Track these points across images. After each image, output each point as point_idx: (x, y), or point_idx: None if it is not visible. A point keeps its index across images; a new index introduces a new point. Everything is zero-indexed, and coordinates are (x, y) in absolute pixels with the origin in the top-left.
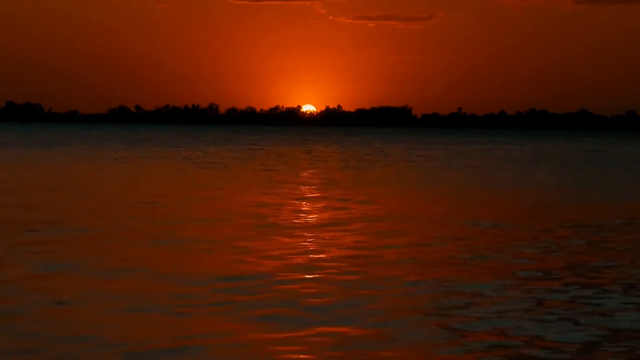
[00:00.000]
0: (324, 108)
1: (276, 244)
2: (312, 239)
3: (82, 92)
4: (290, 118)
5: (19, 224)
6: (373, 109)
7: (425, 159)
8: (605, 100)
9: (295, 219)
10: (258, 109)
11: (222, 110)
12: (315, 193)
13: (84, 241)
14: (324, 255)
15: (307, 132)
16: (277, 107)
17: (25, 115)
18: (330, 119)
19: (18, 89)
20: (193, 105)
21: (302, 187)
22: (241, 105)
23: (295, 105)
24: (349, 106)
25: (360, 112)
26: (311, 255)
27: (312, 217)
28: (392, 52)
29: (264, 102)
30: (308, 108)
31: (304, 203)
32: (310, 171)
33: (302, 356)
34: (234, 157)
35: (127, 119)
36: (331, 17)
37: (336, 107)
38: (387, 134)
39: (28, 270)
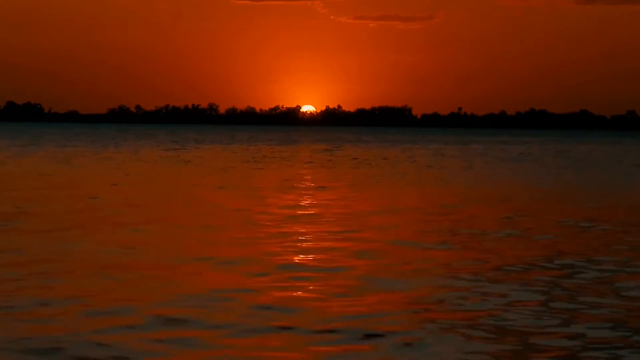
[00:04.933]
0: (324, 108)
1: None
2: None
3: (82, 92)
4: (290, 118)
5: None
6: (373, 109)
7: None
8: (605, 100)
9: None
10: (258, 109)
11: (222, 110)
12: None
13: None
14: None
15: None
16: (277, 107)
17: (25, 115)
18: (330, 119)
19: (18, 89)
20: (193, 105)
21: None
22: (241, 105)
23: (295, 105)
24: (349, 106)
25: (360, 112)
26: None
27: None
28: (392, 52)
29: (264, 102)
30: (308, 108)
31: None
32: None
33: None
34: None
35: (127, 119)
36: (332, 17)
37: (336, 107)
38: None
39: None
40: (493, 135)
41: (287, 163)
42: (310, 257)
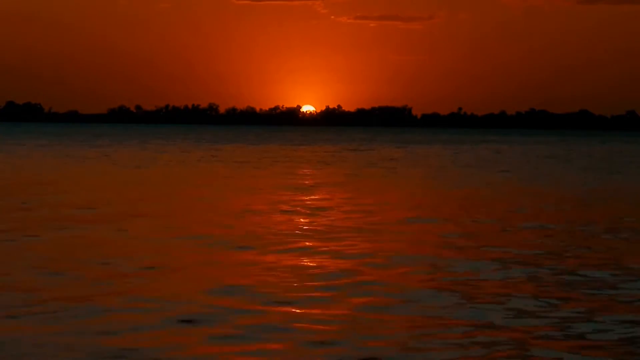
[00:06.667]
0: (324, 108)
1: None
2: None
3: (82, 92)
4: (290, 118)
5: None
6: (373, 109)
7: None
8: (605, 100)
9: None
10: (258, 109)
11: (222, 110)
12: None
13: None
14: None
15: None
16: (277, 107)
17: (25, 115)
18: (330, 119)
19: (18, 89)
20: (193, 105)
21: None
22: (241, 105)
23: (295, 105)
24: (349, 106)
25: (360, 112)
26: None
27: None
28: (392, 52)
29: (264, 102)
30: (308, 108)
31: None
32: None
33: None
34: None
35: (127, 119)
36: (332, 17)
37: (336, 107)
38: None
39: None
40: (514, 135)
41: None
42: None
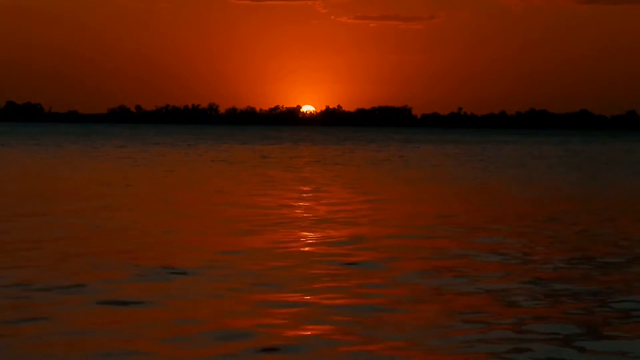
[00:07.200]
0: (324, 108)
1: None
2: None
3: (82, 92)
4: (290, 118)
5: None
6: (373, 109)
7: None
8: (605, 100)
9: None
10: (258, 109)
11: (222, 110)
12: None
13: None
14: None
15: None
16: (277, 107)
17: (25, 115)
18: (330, 119)
19: (18, 89)
20: (193, 105)
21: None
22: (241, 105)
23: (295, 105)
24: (349, 106)
25: (360, 112)
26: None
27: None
28: (392, 52)
29: (264, 102)
30: (308, 108)
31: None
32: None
33: None
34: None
35: (127, 119)
36: (332, 16)
37: (336, 107)
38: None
39: None
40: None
41: None
42: None
